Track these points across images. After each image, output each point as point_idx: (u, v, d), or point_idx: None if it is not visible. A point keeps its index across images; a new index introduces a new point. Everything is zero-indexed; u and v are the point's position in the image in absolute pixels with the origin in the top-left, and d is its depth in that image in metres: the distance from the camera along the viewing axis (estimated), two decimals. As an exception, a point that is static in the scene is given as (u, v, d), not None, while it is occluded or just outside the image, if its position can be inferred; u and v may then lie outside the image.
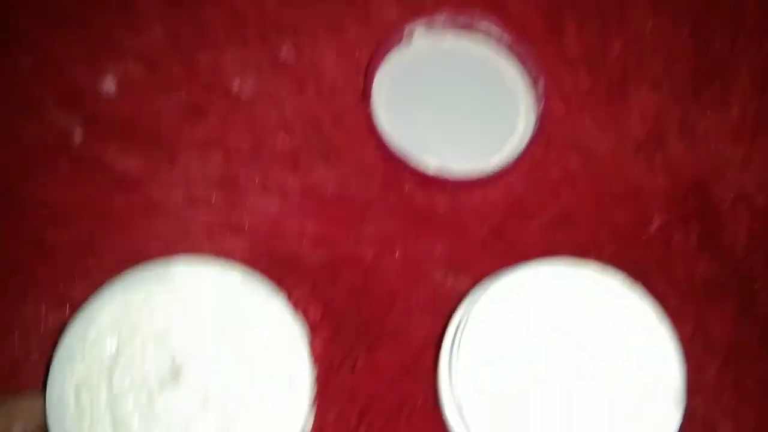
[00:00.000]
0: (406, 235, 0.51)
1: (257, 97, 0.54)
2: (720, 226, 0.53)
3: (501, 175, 0.53)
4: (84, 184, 0.51)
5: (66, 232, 0.50)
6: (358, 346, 0.48)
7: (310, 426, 0.43)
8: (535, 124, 0.53)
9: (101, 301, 0.43)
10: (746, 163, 0.55)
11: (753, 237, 0.52)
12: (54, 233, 0.50)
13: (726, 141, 0.55)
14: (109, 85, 0.53)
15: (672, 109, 0.56)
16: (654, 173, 0.54)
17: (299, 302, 0.46)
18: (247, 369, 0.42)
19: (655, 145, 0.55)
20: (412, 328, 0.49)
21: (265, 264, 0.48)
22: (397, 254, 0.51)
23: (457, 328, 0.41)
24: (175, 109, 0.53)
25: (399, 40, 0.56)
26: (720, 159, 0.55)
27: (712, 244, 0.52)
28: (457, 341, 0.40)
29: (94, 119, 0.52)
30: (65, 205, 0.50)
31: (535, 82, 0.55)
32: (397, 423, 0.46)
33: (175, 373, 0.41)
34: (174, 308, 0.43)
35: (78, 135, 0.52)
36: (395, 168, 0.53)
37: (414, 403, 0.47)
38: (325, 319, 0.47)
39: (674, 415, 0.40)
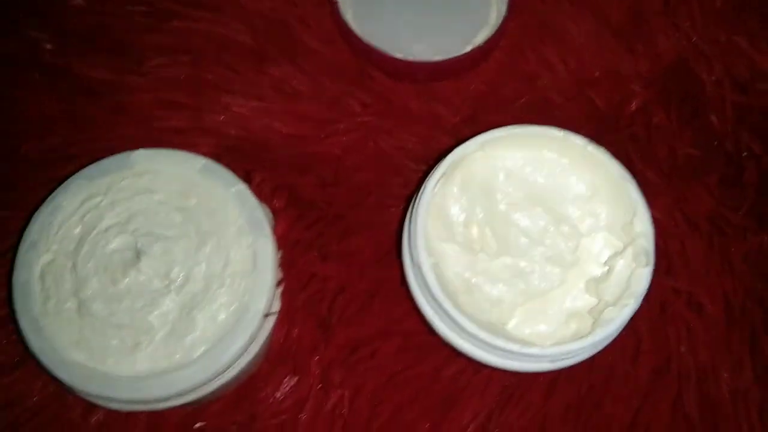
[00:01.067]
0: (378, 129, 0.50)
1: (222, 2, 0.53)
2: (703, 105, 0.51)
3: (474, 64, 0.52)
4: (56, 94, 0.51)
5: (40, 143, 0.50)
6: (328, 235, 0.47)
7: (276, 307, 0.43)
8: (507, 9, 0.52)
9: (66, 190, 0.43)
10: (731, 42, 0.53)
11: (740, 114, 0.50)
12: (29, 144, 0.50)
13: (710, 21, 0.53)
14: (76, -3, 0.53)
15: (652, -9, 0.54)
16: (634, 56, 0.53)
17: (263, 190, 0.46)
18: (209, 251, 0.41)
19: (634, 27, 0.53)
20: (385, 217, 0.48)
21: (232, 158, 0.47)
22: (368, 148, 0.50)
23: (415, 197, 0.40)
24: (141, 17, 0.53)
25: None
26: (703, 39, 0.53)
27: (695, 122, 0.51)
28: (414, 210, 0.39)
29: (63, 31, 0.52)
30: (40, 115, 0.51)
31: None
32: (369, 309, 0.45)
33: (138, 256, 0.41)
34: (135, 194, 0.43)
35: (49, 47, 0.52)
36: (365, 64, 0.52)
37: (387, 290, 0.46)
38: (291, 206, 0.47)
39: (644, 273, 0.38)
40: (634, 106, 0.51)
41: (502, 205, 0.41)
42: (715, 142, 0.50)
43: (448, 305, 0.37)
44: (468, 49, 0.51)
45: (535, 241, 0.41)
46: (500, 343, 0.36)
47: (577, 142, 0.40)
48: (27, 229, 0.42)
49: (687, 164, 0.49)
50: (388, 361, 0.44)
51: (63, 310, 0.40)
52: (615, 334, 0.38)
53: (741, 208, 0.48)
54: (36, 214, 0.42)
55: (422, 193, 0.39)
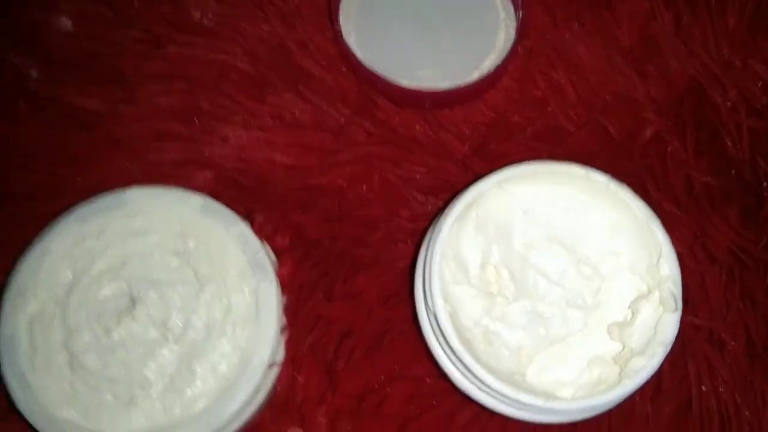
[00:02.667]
0: (384, 160, 0.48)
1: (218, 27, 0.51)
2: (719, 132, 0.49)
3: (482, 91, 0.50)
4: (44, 125, 0.48)
5: (29, 175, 0.47)
6: (334, 274, 0.45)
7: (281, 356, 0.41)
8: (516, 35, 0.50)
9: (54, 233, 0.40)
10: (746, 66, 0.51)
11: (756, 139, 0.49)
12: (16, 176, 0.47)
13: (723, 43, 0.51)
14: (64, 22, 0.51)
15: (664, 13, 0.52)
16: (645, 81, 0.51)
17: (265, 229, 0.44)
18: (209, 297, 0.39)
19: (645, 52, 0.51)
20: (393, 254, 0.46)
21: (232, 194, 0.45)
22: (374, 180, 0.48)
23: (429, 238, 0.38)
24: (134, 43, 0.50)
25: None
26: (717, 63, 0.51)
27: (711, 150, 0.49)
28: (429, 252, 0.37)
29: (50, 59, 0.50)
30: (26, 147, 0.48)
31: (513, -9, 0.51)
32: (377, 352, 0.43)
33: (133, 304, 0.39)
34: (129, 237, 0.40)
35: (35, 75, 0.49)
36: (369, 91, 0.50)
37: (396, 331, 0.44)
38: (295, 246, 0.44)
39: (671, 320, 0.36)
40: (648, 133, 0.49)
41: (519, 245, 0.39)
42: (733, 171, 0.48)
43: (468, 359, 0.35)
44: (476, 75, 0.49)
45: (555, 283, 0.39)
46: (524, 398, 0.34)
47: (599, 179, 0.38)
48: (13, 276, 0.39)
49: (705, 194, 0.47)
50: (399, 408, 0.42)
51: (52, 364, 0.38)
52: (643, 384, 0.36)
53: (762, 241, 0.46)
54: (22, 258, 0.40)
55: (438, 234, 0.37)
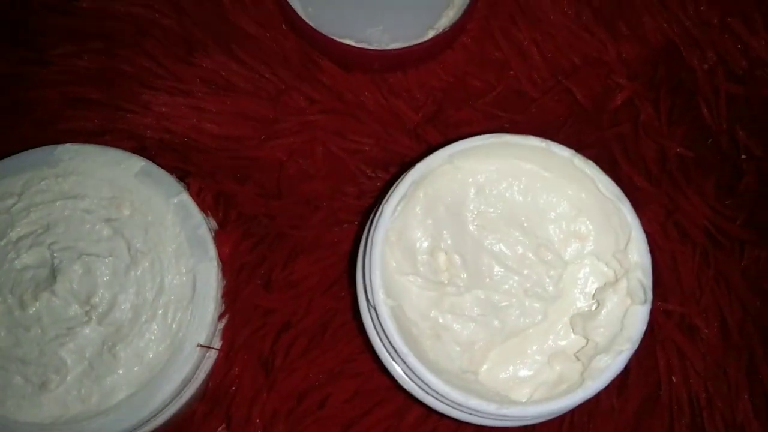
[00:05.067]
0: (328, 130, 0.44)
1: (141, -23, 0.45)
2: (695, 98, 0.45)
3: (437, 52, 0.45)
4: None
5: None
6: (272, 258, 0.40)
7: (216, 345, 0.36)
8: (475, -11, 0.45)
9: None
10: (724, 25, 0.46)
11: (735, 107, 0.44)
12: None
13: (701, 0, 0.47)
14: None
15: (637, -35, 0.47)
16: (617, 41, 0.46)
17: (204, 200, 0.39)
18: (140, 273, 0.35)
19: (617, 8, 0.47)
20: (336, 236, 0.42)
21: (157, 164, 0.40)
22: (317, 153, 0.43)
23: (371, 221, 0.34)
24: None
25: None
26: (694, 21, 0.46)
27: (686, 118, 0.45)
28: (371, 238, 0.33)
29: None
30: None
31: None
32: (318, 347, 0.39)
33: (53, 276, 0.34)
34: (57, 199, 0.36)
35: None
36: (312, 52, 0.45)
37: (338, 323, 0.40)
38: (233, 223, 0.40)
39: (640, 312, 0.32)
40: (618, 99, 0.44)
41: (473, 227, 0.35)
42: (709, 141, 0.44)
43: (412, 361, 0.30)
44: (431, 34, 0.44)
45: (512, 270, 0.35)
46: (473, 403, 0.30)
47: (563, 153, 0.34)
48: None
49: (679, 167, 0.43)
50: (342, 408, 0.38)
51: None
52: (607, 384, 0.32)
53: (739, 218, 0.42)
54: None
55: (379, 218, 0.33)
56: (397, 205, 0.33)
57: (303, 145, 0.43)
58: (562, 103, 0.45)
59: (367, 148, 0.43)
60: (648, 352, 0.41)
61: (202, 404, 0.38)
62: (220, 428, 0.38)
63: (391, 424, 0.38)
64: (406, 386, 0.33)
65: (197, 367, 0.36)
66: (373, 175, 0.43)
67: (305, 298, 0.40)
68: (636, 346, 0.32)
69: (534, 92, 0.45)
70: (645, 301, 0.32)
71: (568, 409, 0.32)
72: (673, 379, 0.41)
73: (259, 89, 0.44)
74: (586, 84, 0.45)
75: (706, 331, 0.41)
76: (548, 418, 0.33)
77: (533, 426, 0.39)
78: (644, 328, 0.32)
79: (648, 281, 0.32)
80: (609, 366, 0.31)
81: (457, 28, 0.44)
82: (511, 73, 0.45)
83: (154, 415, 0.35)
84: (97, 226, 0.36)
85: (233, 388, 0.38)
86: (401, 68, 0.45)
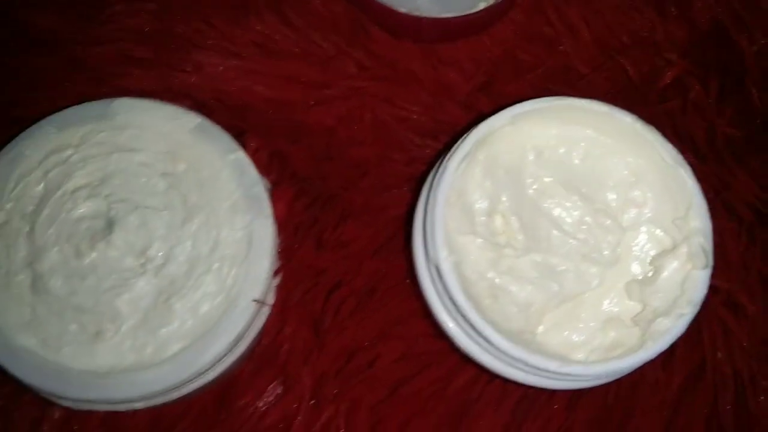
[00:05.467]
0: (377, 97, 0.43)
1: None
2: (745, 78, 0.45)
3: (487, 24, 0.45)
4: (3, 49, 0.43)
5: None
6: (324, 219, 0.40)
7: (270, 302, 0.36)
8: (527, -38, 0.45)
9: (29, 138, 0.36)
10: (775, 7, 0.47)
11: (784, 87, 0.45)
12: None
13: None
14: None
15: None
16: (666, 21, 0.46)
17: (260, 158, 0.39)
18: (196, 228, 0.35)
19: (667, -12, 0.47)
20: (385, 200, 0.42)
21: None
22: (366, 119, 0.43)
23: (432, 180, 0.34)
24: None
25: None
26: (743, 3, 0.46)
27: (735, 98, 0.45)
28: (432, 196, 0.33)
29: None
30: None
31: None
32: (367, 306, 0.39)
33: (110, 227, 0.34)
34: (114, 152, 0.36)
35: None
36: (362, 18, 0.45)
37: (387, 286, 0.40)
38: (287, 184, 0.40)
39: (701, 277, 0.32)
40: (668, 77, 0.44)
41: (531, 191, 0.35)
42: (758, 121, 0.44)
43: (474, 316, 0.30)
44: (482, 5, 0.44)
45: (569, 235, 0.35)
46: (536, 361, 0.30)
47: (625, 119, 0.34)
48: None
49: (727, 145, 0.43)
50: (389, 370, 0.38)
51: (12, 283, 0.34)
52: (667, 348, 0.32)
53: (788, 197, 0.42)
54: None
55: (442, 175, 0.33)
56: (461, 162, 0.33)
57: (352, 111, 0.43)
58: (610, 81, 0.45)
59: (415, 116, 0.43)
60: (693, 328, 0.41)
61: (250, 362, 0.38)
62: (270, 386, 0.38)
63: (438, 387, 0.38)
64: (462, 345, 0.33)
65: (251, 323, 0.35)
66: (422, 143, 0.43)
67: (355, 259, 0.40)
68: (697, 309, 0.32)
69: (583, 68, 0.45)
70: (706, 266, 0.32)
71: (627, 371, 0.32)
72: (718, 354, 0.41)
73: (309, 54, 0.44)
74: (635, 63, 0.45)
75: (752, 307, 0.41)
76: (606, 380, 0.33)
77: (578, 396, 0.39)
78: (705, 292, 0.32)
79: (709, 246, 0.32)
80: (670, 329, 0.31)
81: (509, 1, 0.44)
82: (561, 48, 0.45)
83: (207, 370, 0.34)
84: (153, 180, 0.36)
85: (285, 346, 0.38)
86: (451, 39, 0.45)
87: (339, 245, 0.40)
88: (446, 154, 0.34)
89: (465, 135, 0.33)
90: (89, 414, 0.37)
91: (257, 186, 0.36)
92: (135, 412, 0.36)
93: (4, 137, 0.41)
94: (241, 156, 0.37)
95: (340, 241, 0.40)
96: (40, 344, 0.33)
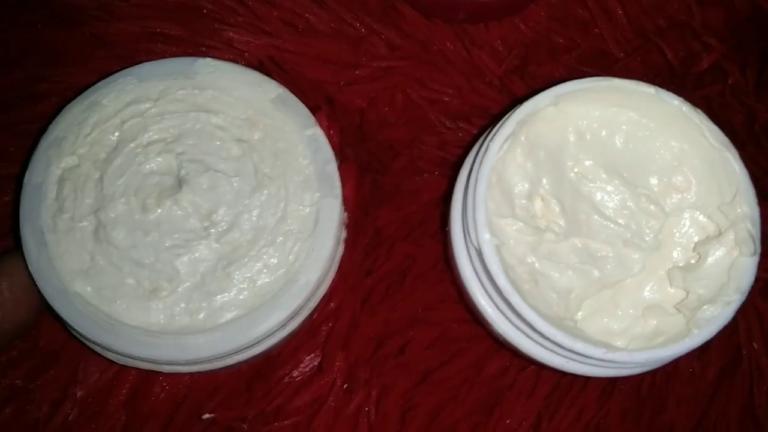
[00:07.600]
0: (409, 77, 0.42)
1: None
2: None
3: (521, 6, 0.44)
4: (22, 22, 0.42)
5: (3, 78, 0.41)
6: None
7: (327, 282, 0.36)
8: (563, -57, 0.44)
9: (109, 86, 0.35)
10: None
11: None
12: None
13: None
14: None
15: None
16: (703, 6, 0.45)
17: (332, 136, 0.38)
18: (265, 198, 0.34)
19: (705, -29, 0.46)
20: (416, 184, 0.41)
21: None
22: (397, 100, 0.42)
23: (473, 162, 0.33)
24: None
25: None
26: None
27: (774, 84, 0.44)
28: (474, 177, 0.32)
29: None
30: (1, 47, 0.42)
31: None
32: (398, 291, 0.38)
33: (179, 185, 0.34)
34: (192, 110, 0.35)
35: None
36: (394, -3, 0.44)
37: (419, 270, 0.39)
38: (347, 163, 0.39)
39: (749, 264, 0.31)
40: (705, 63, 0.43)
41: (572, 174, 0.34)
42: (797, 109, 0.43)
43: (516, 300, 0.30)
44: (517, -13, 0.43)
45: (611, 220, 0.34)
46: (581, 347, 0.29)
47: (672, 101, 0.33)
48: (53, 122, 0.35)
49: (766, 132, 0.42)
50: (421, 356, 0.37)
51: (76, 229, 0.33)
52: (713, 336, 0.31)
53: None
54: (68, 106, 0.35)
55: (485, 155, 0.32)
56: (504, 142, 0.32)
57: (383, 92, 0.42)
58: (645, 65, 0.44)
59: (447, 99, 0.43)
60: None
61: (294, 340, 0.38)
62: (308, 357, 0.37)
63: (470, 374, 0.37)
64: (501, 330, 0.33)
65: (308, 300, 0.34)
66: (454, 126, 0.42)
67: (386, 244, 0.39)
68: (744, 297, 0.31)
69: (618, 52, 0.44)
70: (754, 253, 0.31)
71: (671, 359, 0.32)
72: (755, 345, 0.40)
73: (340, 33, 0.43)
74: (672, 47, 0.44)
75: (793, 301, 0.40)
76: (648, 368, 0.32)
77: (612, 386, 0.39)
78: (753, 280, 0.31)
79: (757, 232, 0.32)
80: (717, 316, 0.31)
81: (543, -17, 0.43)
82: (596, 31, 0.44)
83: (257, 342, 0.34)
84: (227, 144, 0.35)
85: (329, 324, 0.37)
86: (483, 20, 0.44)
87: (372, 229, 0.39)
88: (488, 134, 0.33)
89: (507, 115, 0.33)
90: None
91: (330, 164, 0.35)
92: (171, 375, 0.36)
93: (29, 113, 0.41)
94: (318, 132, 0.36)
95: (374, 226, 0.39)
96: (94, 293, 0.33)
